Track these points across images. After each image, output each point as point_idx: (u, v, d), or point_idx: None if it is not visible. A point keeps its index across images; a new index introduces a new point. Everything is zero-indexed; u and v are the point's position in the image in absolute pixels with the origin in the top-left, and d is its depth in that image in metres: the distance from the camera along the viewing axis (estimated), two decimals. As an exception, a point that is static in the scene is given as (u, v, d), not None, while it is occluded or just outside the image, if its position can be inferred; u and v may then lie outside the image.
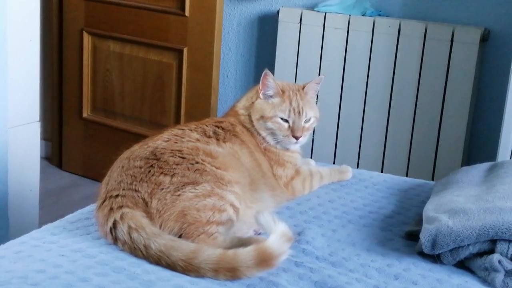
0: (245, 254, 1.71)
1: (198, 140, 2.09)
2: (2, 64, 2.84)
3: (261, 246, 1.72)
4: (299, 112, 2.27)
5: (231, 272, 1.70)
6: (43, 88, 4.39)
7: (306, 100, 2.32)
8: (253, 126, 2.29)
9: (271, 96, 2.28)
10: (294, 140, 2.27)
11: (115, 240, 1.84)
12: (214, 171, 1.94)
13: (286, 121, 2.27)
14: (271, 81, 2.26)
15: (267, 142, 2.28)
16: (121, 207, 1.85)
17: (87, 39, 4.30)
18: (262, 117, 2.27)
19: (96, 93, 4.36)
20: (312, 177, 2.39)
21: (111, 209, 1.86)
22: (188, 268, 1.71)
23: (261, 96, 2.28)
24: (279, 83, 2.32)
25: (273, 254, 1.71)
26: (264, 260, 1.71)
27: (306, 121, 2.30)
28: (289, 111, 2.26)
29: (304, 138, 2.31)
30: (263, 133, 2.28)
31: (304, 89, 2.34)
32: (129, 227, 1.80)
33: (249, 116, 2.30)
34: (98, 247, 1.85)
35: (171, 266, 1.73)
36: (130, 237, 1.79)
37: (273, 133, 2.27)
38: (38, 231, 1.99)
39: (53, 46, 4.48)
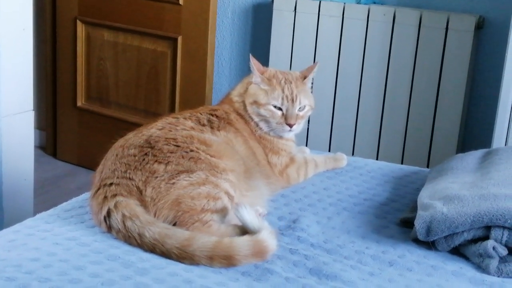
0: (242, 243, 1.72)
1: (192, 128, 2.09)
2: (-5, 52, 2.83)
3: (258, 239, 1.74)
4: (292, 100, 2.27)
5: (227, 260, 1.70)
6: (37, 77, 4.38)
7: (302, 88, 2.31)
8: (247, 112, 2.28)
9: (259, 82, 2.27)
10: (288, 128, 2.27)
11: (109, 228, 1.84)
12: (209, 159, 1.94)
13: (280, 109, 2.26)
14: (252, 67, 2.27)
15: (261, 129, 2.28)
16: (115, 195, 1.85)
17: (80, 28, 4.28)
18: (255, 102, 2.26)
19: (90, 82, 4.35)
20: (306, 165, 2.39)
21: (105, 197, 1.86)
22: (182, 256, 1.71)
23: (254, 81, 2.28)
24: (272, 70, 2.31)
25: (268, 248, 1.74)
26: (259, 252, 1.73)
27: (300, 109, 2.29)
28: (282, 98, 2.25)
29: (299, 126, 2.30)
30: (256, 119, 2.27)
31: (305, 80, 2.34)
32: (123, 215, 1.80)
33: (243, 102, 2.29)
34: (92, 235, 1.85)
35: (165, 254, 1.73)
36: (124, 225, 1.79)
37: (266, 120, 2.27)
38: (32, 219, 1.99)
39: (47, 35, 4.47)
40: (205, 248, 1.70)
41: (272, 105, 2.25)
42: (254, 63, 2.27)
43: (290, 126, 2.26)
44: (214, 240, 1.72)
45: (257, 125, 2.28)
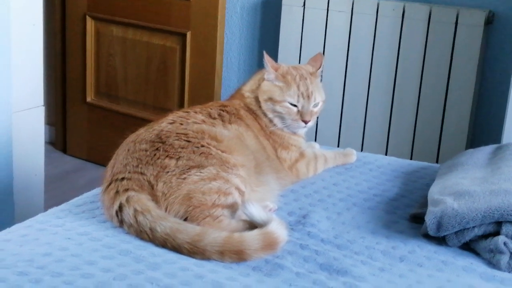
0: (252, 237, 1.73)
1: (203, 121, 2.09)
2: (6, 49, 2.84)
3: (268, 231, 1.74)
4: (308, 97, 2.27)
5: (237, 254, 1.71)
6: (47, 73, 4.39)
7: (316, 83, 2.32)
8: (259, 108, 2.28)
9: (273, 80, 2.27)
10: (303, 124, 2.27)
11: (121, 223, 1.85)
12: (220, 154, 1.94)
13: (295, 105, 2.26)
14: (266, 64, 2.26)
15: (274, 125, 2.28)
16: (127, 190, 1.86)
17: (90, 24, 4.29)
18: (270, 99, 2.26)
19: (99, 77, 4.36)
20: (316, 160, 2.39)
21: (117, 192, 1.86)
22: (193, 251, 1.72)
23: (268, 78, 2.28)
24: (285, 67, 2.31)
25: (278, 239, 1.75)
26: (270, 244, 1.73)
27: (314, 105, 2.30)
28: (298, 96, 2.25)
29: (313, 122, 2.31)
30: (270, 115, 2.27)
31: (317, 72, 2.35)
32: (135, 210, 1.80)
33: (256, 98, 2.29)
34: (104, 230, 1.85)
35: (176, 248, 1.74)
36: (136, 220, 1.80)
37: (281, 117, 2.27)
38: (43, 214, 2.00)
39: (57, 31, 4.48)
40: (216, 243, 1.71)
41: (288, 102, 2.26)
42: (268, 60, 2.27)
43: (306, 122, 2.27)
44: (225, 235, 1.73)
45: (271, 121, 2.28)
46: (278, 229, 1.76)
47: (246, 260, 1.72)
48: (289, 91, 2.25)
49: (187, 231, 1.75)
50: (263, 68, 2.32)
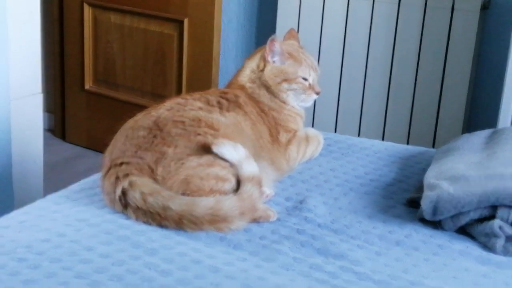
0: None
1: (200, 108, 2.09)
2: (3, 36, 2.83)
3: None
4: (316, 69, 2.34)
5: (252, 211, 1.86)
6: (45, 60, 4.38)
7: (309, 54, 2.37)
8: (265, 93, 2.29)
9: (282, 61, 2.28)
10: (315, 95, 2.33)
11: (125, 207, 1.85)
12: (216, 143, 1.95)
13: (306, 79, 2.29)
14: (277, 47, 2.27)
15: (288, 103, 2.30)
16: (127, 175, 1.86)
17: (87, 11, 4.29)
18: (285, 80, 2.28)
19: (97, 65, 4.36)
20: (307, 143, 2.38)
21: (117, 177, 1.87)
22: (216, 220, 1.78)
23: (274, 61, 2.28)
24: (283, 46, 2.32)
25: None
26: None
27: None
28: (308, 69, 2.30)
29: None
30: (284, 95, 2.29)
31: (301, 46, 2.40)
32: (142, 193, 1.82)
33: (259, 86, 2.29)
34: (102, 216, 1.86)
35: (195, 223, 1.78)
36: (145, 201, 1.81)
37: (296, 93, 2.29)
38: (42, 200, 2.01)
39: (54, 18, 4.47)
40: (235, 206, 1.80)
41: (302, 77, 2.29)
42: (278, 44, 2.27)
43: (317, 93, 2.32)
44: (237, 197, 1.82)
45: (284, 101, 2.30)
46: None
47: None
48: (301, 66, 2.29)
49: (203, 203, 1.79)
50: (254, 55, 2.35)
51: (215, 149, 1.87)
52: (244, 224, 1.83)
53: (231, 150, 1.88)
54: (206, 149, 1.90)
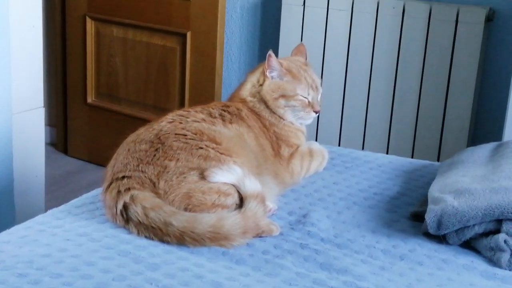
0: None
1: (203, 120, 2.08)
2: (6, 50, 2.84)
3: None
4: (316, 87, 2.31)
5: (255, 230, 1.84)
6: (47, 74, 4.38)
7: (312, 72, 2.35)
8: (265, 108, 2.28)
9: (281, 76, 2.27)
10: (314, 114, 2.31)
11: (127, 222, 1.84)
12: (218, 156, 1.94)
13: (305, 97, 2.28)
14: (274, 63, 2.25)
15: (285, 119, 2.29)
16: (128, 189, 1.85)
17: (90, 25, 4.29)
18: (283, 96, 2.26)
19: (100, 78, 4.35)
20: (311, 158, 2.38)
21: (119, 191, 1.86)
22: (217, 238, 1.76)
23: (272, 76, 2.28)
24: (284, 62, 2.31)
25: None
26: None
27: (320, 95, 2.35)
28: (308, 88, 2.28)
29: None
30: (281, 111, 2.27)
31: (307, 62, 2.38)
32: (144, 207, 1.80)
33: (259, 101, 2.28)
34: (103, 231, 1.85)
35: (196, 240, 1.76)
36: (147, 216, 1.79)
37: (294, 110, 2.28)
38: (43, 215, 2.00)
39: (57, 31, 4.48)
40: (237, 224, 1.78)
41: (300, 95, 2.27)
42: (274, 59, 2.26)
43: (316, 112, 2.31)
44: (240, 216, 1.80)
45: (282, 116, 2.28)
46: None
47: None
48: (300, 84, 2.27)
49: (204, 220, 1.78)
50: (255, 69, 2.35)
51: (210, 180, 1.86)
52: (246, 240, 1.81)
53: (226, 174, 1.88)
54: (207, 163, 1.89)
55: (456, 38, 3.41)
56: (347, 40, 3.67)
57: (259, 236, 1.86)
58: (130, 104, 4.26)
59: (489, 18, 3.41)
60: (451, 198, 1.89)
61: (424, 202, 2.08)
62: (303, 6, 3.74)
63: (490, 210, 1.81)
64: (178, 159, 1.90)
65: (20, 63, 2.97)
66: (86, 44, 4.31)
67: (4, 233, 1.86)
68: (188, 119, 2.06)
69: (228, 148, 1.98)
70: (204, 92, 3.92)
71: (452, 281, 1.71)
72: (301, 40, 3.74)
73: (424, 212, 1.95)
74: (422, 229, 1.95)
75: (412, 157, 3.45)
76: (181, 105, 3.98)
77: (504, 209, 1.81)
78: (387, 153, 3.57)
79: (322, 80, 2.45)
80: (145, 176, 1.88)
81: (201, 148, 1.93)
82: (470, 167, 2.18)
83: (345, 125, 3.77)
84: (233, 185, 1.89)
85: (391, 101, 3.63)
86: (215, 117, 2.13)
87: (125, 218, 1.84)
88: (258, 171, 2.09)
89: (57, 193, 3.81)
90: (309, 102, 2.28)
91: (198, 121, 2.06)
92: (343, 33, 3.67)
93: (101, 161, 3.94)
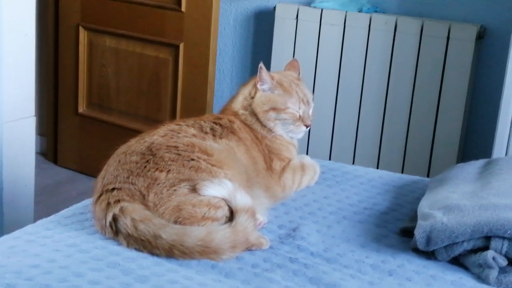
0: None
1: (194, 135, 2.08)
2: (-3, 58, 2.84)
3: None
4: (308, 102, 2.31)
5: (244, 244, 1.83)
6: (39, 83, 4.36)
7: (304, 87, 2.35)
8: (256, 121, 2.28)
9: (272, 89, 2.28)
10: (304, 128, 2.31)
11: (116, 234, 1.84)
12: (210, 168, 1.94)
13: (296, 111, 2.28)
14: (265, 76, 2.26)
15: (275, 132, 2.28)
16: (118, 201, 1.85)
17: (83, 35, 4.29)
18: (273, 109, 2.26)
19: (91, 88, 4.35)
20: (303, 172, 2.38)
21: (109, 203, 1.86)
22: (207, 251, 1.76)
23: (263, 89, 2.28)
24: (276, 75, 2.32)
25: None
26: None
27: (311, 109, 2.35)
28: (299, 102, 2.28)
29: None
30: (271, 124, 2.28)
31: (300, 77, 2.38)
32: (133, 219, 1.80)
33: (251, 113, 2.28)
34: (92, 242, 1.85)
35: (185, 253, 1.76)
36: (136, 229, 1.79)
37: (284, 123, 2.28)
38: (32, 225, 1.99)
39: (49, 41, 4.47)
40: (227, 238, 1.78)
41: (291, 109, 2.27)
42: (265, 72, 2.27)
43: (307, 126, 2.30)
44: (230, 230, 1.80)
45: (272, 128, 2.28)
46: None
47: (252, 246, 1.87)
48: (291, 98, 2.27)
49: (194, 234, 1.77)
50: (248, 82, 2.35)
51: (201, 193, 1.86)
52: (235, 254, 1.81)
53: (217, 188, 1.88)
54: (198, 174, 1.89)
55: (447, 54, 3.43)
56: (339, 55, 3.68)
57: (248, 249, 1.86)
58: (121, 114, 4.25)
59: (480, 36, 3.43)
60: (440, 214, 1.90)
61: (414, 217, 2.08)
62: (296, 20, 3.75)
63: (479, 227, 1.82)
64: (169, 170, 1.89)
65: (12, 72, 2.96)
66: (78, 54, 4.31)
67: (-8, 243, 1.85)
68: (179, 134, 2.06)
69: (220, 160, 1.98)
70: (196, 104, 3.92)
71: (440, 298, 1.71)
72: (293, 54, 3.75)
73: (413, 227, 1.95)
74: (411, 244, 1.95)
75: (402, 172, 3.45)
76: (173, 116, 3.98)
77: (492, 226, 1.81)
78: (377, 168, 3.58)
79: (313, 94, 2.44)
80: (135, 188, 1.88)
81: (193, 159, 1.93)
82: (460, 184, 2.18)
83: (336, 139, 3.78)
84: (224, 199, 1.89)
85: (382, 116, 3.65)
86: (206, 133, 2.13)
87: (114, 230, 1.84)
88: (249, 184, 2.09)
89: (46, 202, 3.79)
90: (299, 116, 2.28)
91: (188, 137, 2.06)
92: (335, 47, 3.69)
93: (91, 172, 3.92)
